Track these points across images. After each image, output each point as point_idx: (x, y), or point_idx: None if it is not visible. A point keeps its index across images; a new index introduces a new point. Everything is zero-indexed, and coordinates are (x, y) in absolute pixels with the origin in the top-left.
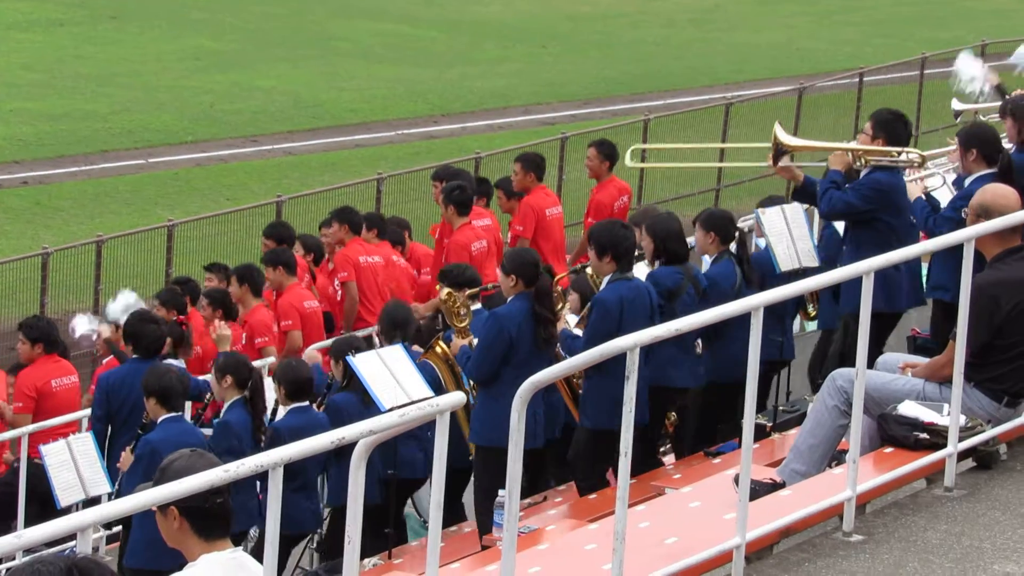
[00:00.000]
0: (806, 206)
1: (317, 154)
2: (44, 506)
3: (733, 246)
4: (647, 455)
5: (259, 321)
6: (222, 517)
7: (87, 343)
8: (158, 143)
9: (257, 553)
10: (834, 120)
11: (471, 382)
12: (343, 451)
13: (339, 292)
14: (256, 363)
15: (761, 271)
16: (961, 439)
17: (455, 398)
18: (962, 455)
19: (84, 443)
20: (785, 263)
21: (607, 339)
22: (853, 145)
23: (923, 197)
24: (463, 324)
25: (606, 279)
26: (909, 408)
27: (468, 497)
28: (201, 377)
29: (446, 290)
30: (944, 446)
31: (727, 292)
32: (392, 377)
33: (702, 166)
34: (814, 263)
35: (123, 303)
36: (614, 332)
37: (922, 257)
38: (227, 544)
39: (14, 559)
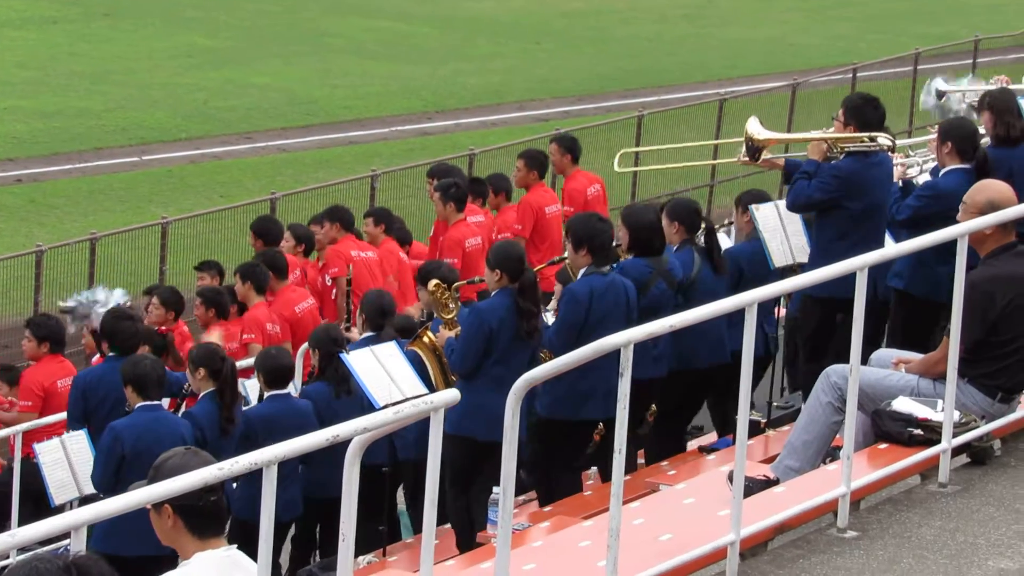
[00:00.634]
0: None
1: (311, 151)
2: (38, 504)
3: (701, 237)
4: (630, 454)
5: (251, 317)
6: (216, 515)
7: (80, 315)
8: (152, 140)
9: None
10: (827, 116)
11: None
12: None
13: (332, 289)
14: (244, 362)
15: (750, 261)
16: (955, 435)
17: (450, 395)
18: (956, 451)
19: (78, 441)
20: (779, 259)
21: (574, 330)
22: (825, 134)
23: (898, 183)
24: (450, 316)
25: (581, 272)
26: (903, 404)
27: None
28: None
29: (434, 280)
30: (938, 442)
31: (682, 281)
32: (386, 374)
33: (692, 165)
34: (807, 259)
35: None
36: (582, 323)
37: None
38: (221, 542)
39: (8, 558)
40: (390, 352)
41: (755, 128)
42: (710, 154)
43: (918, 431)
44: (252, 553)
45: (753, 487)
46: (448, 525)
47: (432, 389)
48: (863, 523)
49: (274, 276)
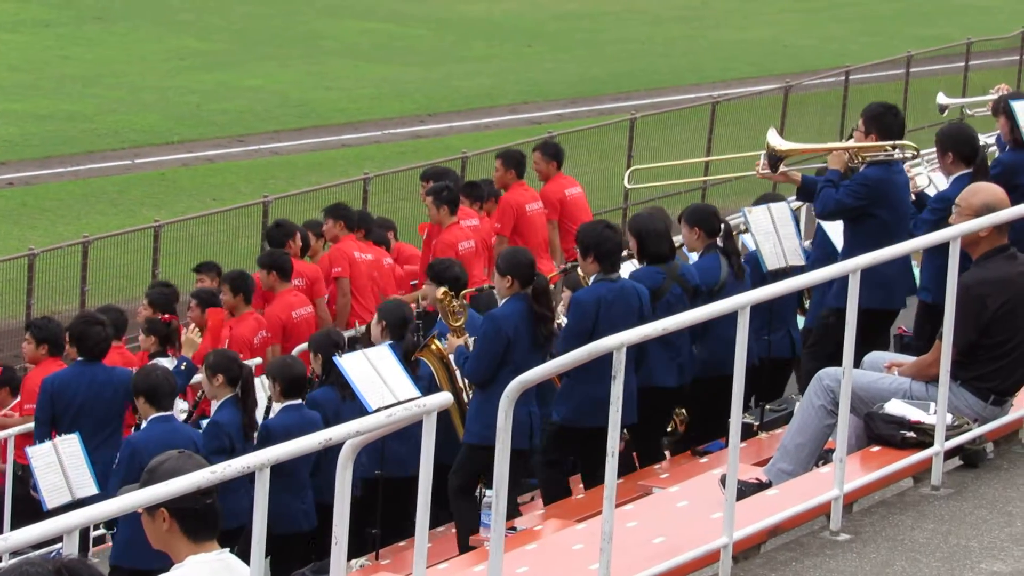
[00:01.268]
0: (796, 205)
1: (304, 154)
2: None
3: (720, 240)
4: (648, 456)
5: (239, 335)
6: (211, 518)
7: None
8: (144, 143)
9: (244, 551)
10: (820, 118)
11: (466, 381)
12: (330, 449)
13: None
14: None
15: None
16: (948, 438)
17: (442, 398)
18: (949, 454)
19: (70, 445)
20: (772, 262)
21: (582, 338)
22: (846, 144)
23: (912, 196)
24: (458, 323)
25: (591, 279)
26: (896, 407)
27: None
28: (194, 379)
29: (441, 289)
30: (931, 445)
31: (710, 286)
32: (379, 377)
33: (696, 180)
34: (800, 262)
35: None
36: (589, 331)
37: (913, 256)
38: (214, 545)
39: (0, 561)
40: (383, 355)
41: (776, 140)
42: (713, 164)
43: (911, 434)
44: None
45: (746, 490)
46: (441, 528)
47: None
48: (856, 526)
49: (277, 277)
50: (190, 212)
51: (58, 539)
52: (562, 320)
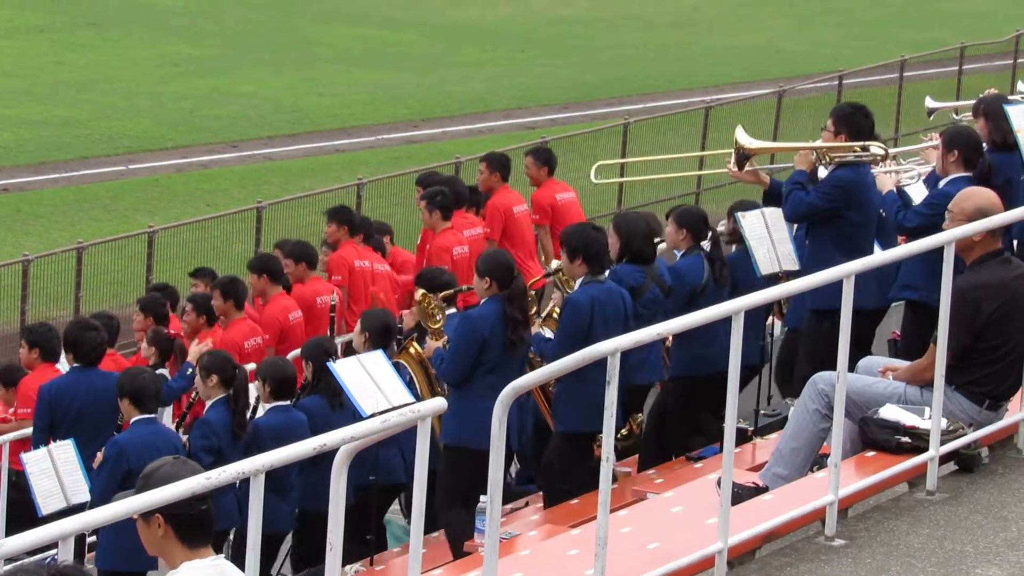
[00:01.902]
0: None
1: (297, 159)
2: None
3: (706, 245)
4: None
5: (229, 340)
6: (206, 524)
7: None
8: (138, 149)
9: (235, 553)
10: (813, 123)
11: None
12: (319, 455)
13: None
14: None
15: (738, 275)
16: (943, 442)
17: (436, 404)
18: (944, 458)
19: (65, 451)
20: (765, 266)
21: (577, 340)
22: (816, 144)
23: (895, 191)
24: (437, 326)
25: (579, 281)
26: (890, 412)
27: None
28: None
29: (420, 291)
30: (926, 449)
31: (691, 286)
32: (373, 383)
33: (674, 176)
34: (794, 266)
35: None
36: (584, 333)
37: None
38: (209, 551)
39: None
40: (376, 360)
41: (744, 138)
42: (695, 163)
43: (905, 439)
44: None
45: (741, 495)
46: (435, 534)
47: (419, 400)
48: (851, 531)
49: (268, 280)
50: (184, 218)
51: (53, 545)
52: (539, 326)
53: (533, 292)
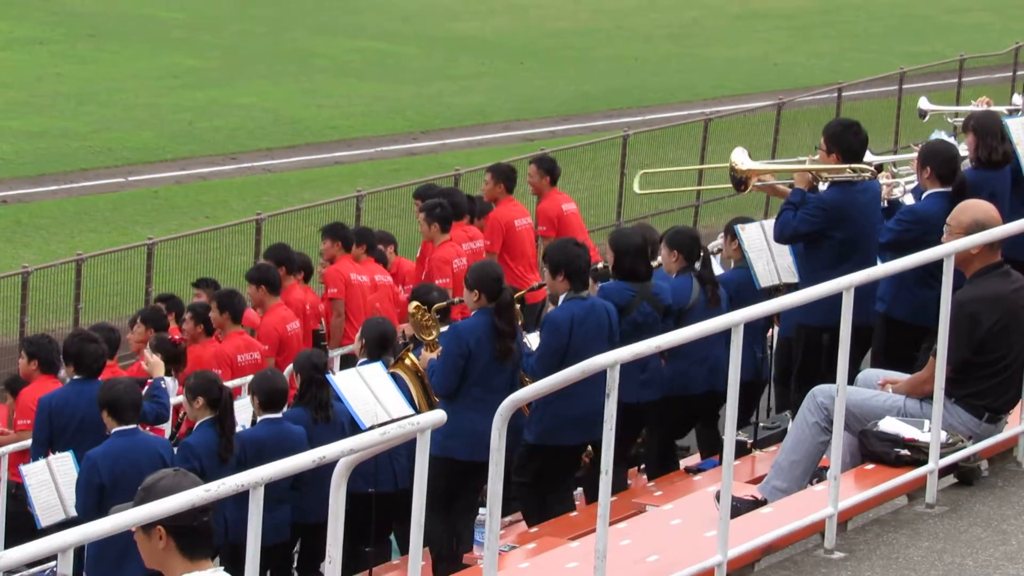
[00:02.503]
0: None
1: (296, 171)
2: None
3: (698, 265)
4: (618, 474)
5: (221, 352)
6: (207, 536)
7: None
8: (137, 161)
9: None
10: (813, 135)
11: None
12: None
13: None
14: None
15: (738, 288)
16: (942, 455)
17: (436, 416)
18: (943, 471)
19: (64, 463)
20: (764, 279)
21: (556, 356)
22: (808, 165)
23: (884, 203)
24: (431, 337)
25: (562, 298)
26: (890, 424)
27: None
28: (174, 400)
29: (414, 303)
30: (925, 462)
31: (680, 306)
32: (372, 395)
33: (703, 188)
34: (794, 279)
35: None
36: (564, 349)
37: None
38: (209, 563)
39: None
40: (376, 373)
41: (739, 159)
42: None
43: (905, 451)
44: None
45: (740, 508)
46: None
47: (416, 412)
48: (850, 544)
49: (266, 291)
50: (183, 230)
51: (52, 557)
52: (528, 337)
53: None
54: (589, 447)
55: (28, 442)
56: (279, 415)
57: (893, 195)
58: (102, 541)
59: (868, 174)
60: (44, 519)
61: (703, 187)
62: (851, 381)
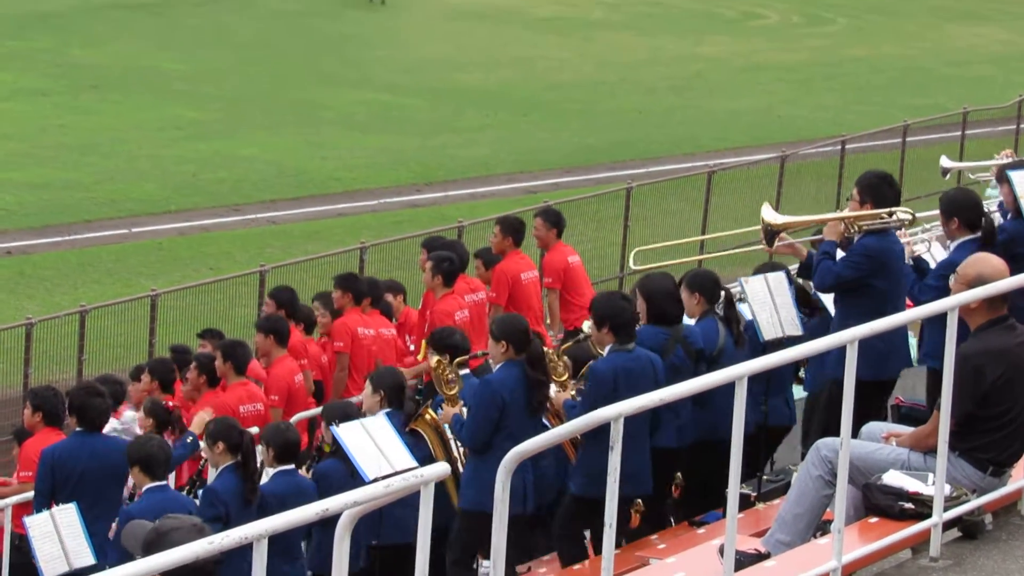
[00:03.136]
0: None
1: (300, 223)
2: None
3: (720, 308)
4: (651, 521)
5: (223, 403)
6: None
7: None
8: (141, 212)
9: None
10: (816, 188)
11: (461, 448)
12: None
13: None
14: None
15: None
16: (946, 509)
17: (439, 469)
18: (947, 525)
19: (68, 515)
20: (768, 332)
21: (598, 407)
22: (842, 214)
23: (910, 262)
24: (452, 392)
25: (607, 349)
26: (894, 478)
27: None
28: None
29: (436, 358)
30: (929, 516)
31: (710, 351)
32: (376, 447)
33: (704, 258)
34: (797, 332)
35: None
36: (610, 401)
37: (910, 326)
38: None
39: None
40: (380, 425)
41: (770, 214)
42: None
43: (909, 505)
44: None
45: (744, 561)
46: None
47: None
48: None
49: (274, 341)
50: (187, 281)
51: None
52: (567, 392)
53: (551, 353)
54: (639, 501)
55: (31, 493)
56: (292, 467)
57: (915, 251)
58: None
59: (908, 217)
60: (48, 571)
61: (703, 256)
62: (855, 434)
